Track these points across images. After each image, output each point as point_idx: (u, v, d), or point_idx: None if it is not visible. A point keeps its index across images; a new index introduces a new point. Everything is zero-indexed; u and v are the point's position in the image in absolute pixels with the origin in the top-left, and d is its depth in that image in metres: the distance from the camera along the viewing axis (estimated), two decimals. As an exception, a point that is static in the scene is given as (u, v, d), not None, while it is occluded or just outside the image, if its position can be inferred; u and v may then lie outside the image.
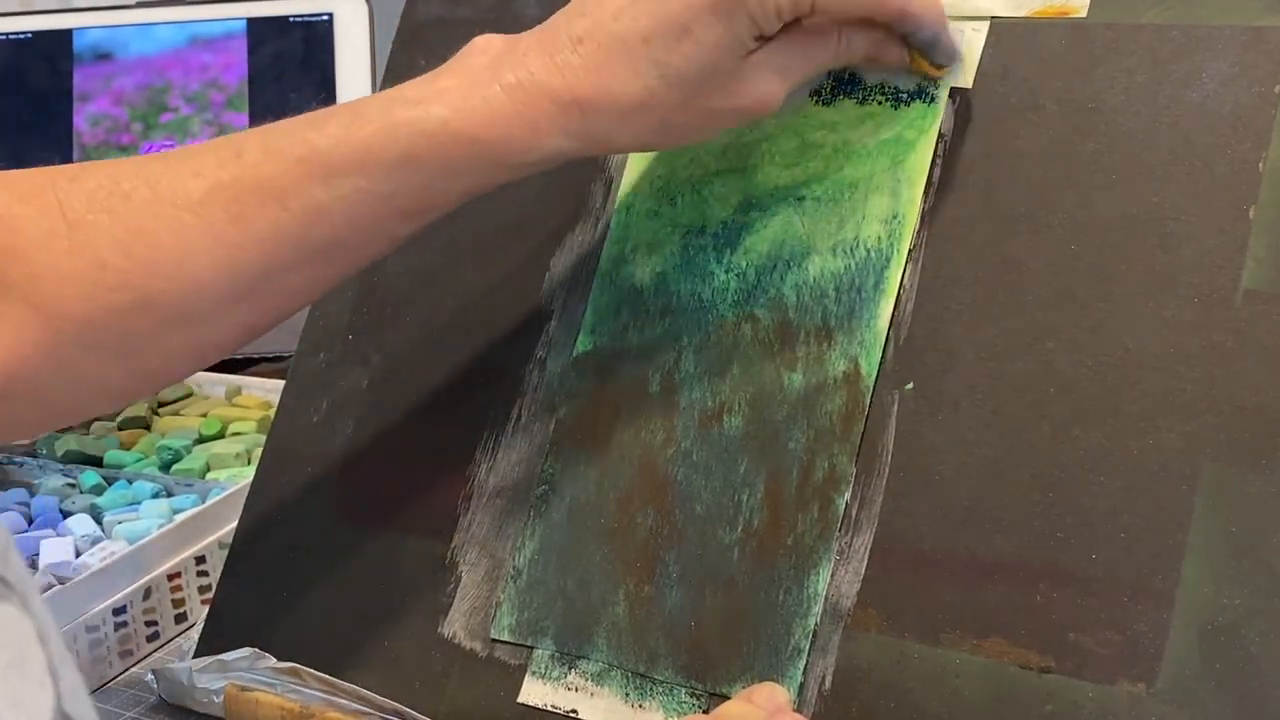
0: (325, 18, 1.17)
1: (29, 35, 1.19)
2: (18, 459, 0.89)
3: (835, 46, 0.59)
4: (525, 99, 0.55)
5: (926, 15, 0.58)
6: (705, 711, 0.56)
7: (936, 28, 0.59)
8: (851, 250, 0.60)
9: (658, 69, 0.55)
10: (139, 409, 0.95)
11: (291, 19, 1.18)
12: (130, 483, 0.85)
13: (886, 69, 0.61)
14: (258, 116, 1.15)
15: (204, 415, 0.95)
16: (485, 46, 0.57)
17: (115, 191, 0.55)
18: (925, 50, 0.60)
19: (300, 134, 0.55)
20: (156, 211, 0.54)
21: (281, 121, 0.57)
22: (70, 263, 0.54)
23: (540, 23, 0.57)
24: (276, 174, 0.54)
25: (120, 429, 0.94)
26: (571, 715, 0.59)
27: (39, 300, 0.54)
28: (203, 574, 0.76)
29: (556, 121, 0.55)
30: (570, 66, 0.55)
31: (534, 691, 0.60)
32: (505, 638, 0.61)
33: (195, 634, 0.68)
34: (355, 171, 0.55)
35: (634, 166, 0.66)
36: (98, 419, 0.96)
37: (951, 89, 0.61)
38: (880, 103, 0.62)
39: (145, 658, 0.73)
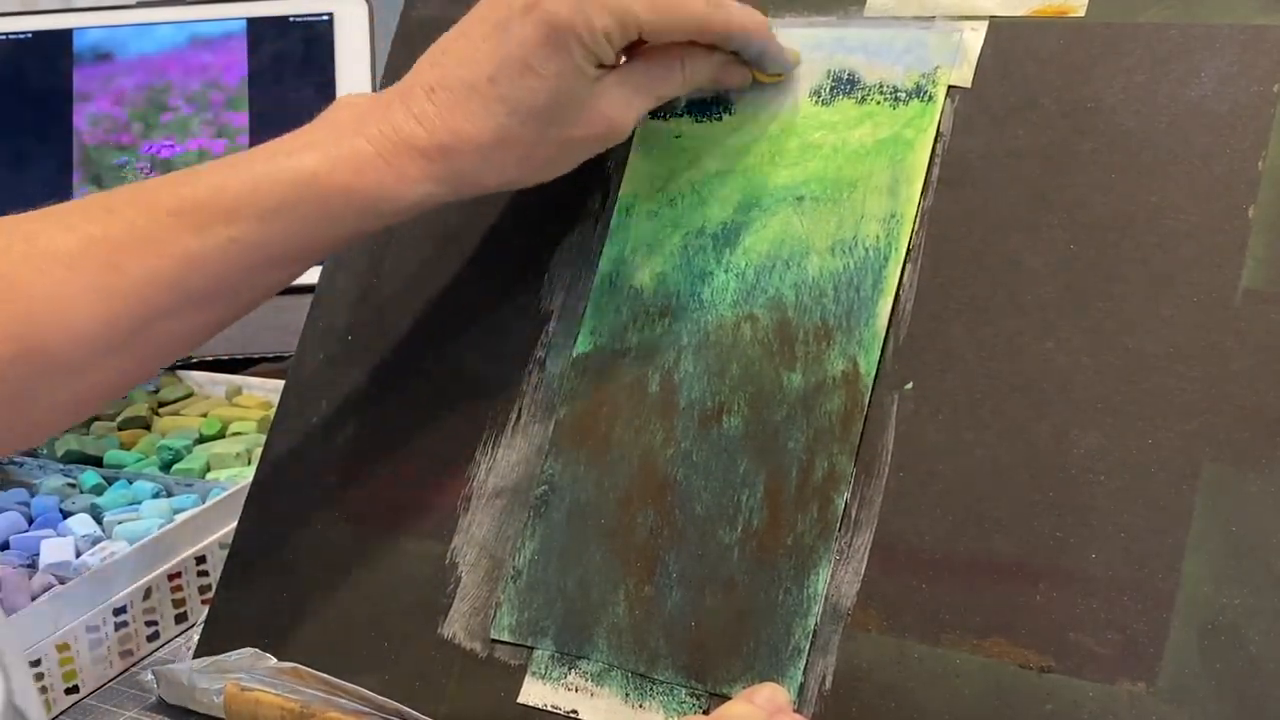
0: (325, 18, 1.17)
1: (29, 35, 1.19)
2: (18, 459, 0.89)
3: (680, 73, 0.61)
4: (390, 149, 0.57)
5: (749, 30, 0.61)
6: (705, 712, 0.57)
7: (761, 40, 0.62)
8: (850, 250, 0.60)
9: (506, 106, 0.57)
10: (139, 409, 0.95)
11: (291, 19, 1.18)
12: (130, 483, 0.85)
13: (735, 89, 0.64)
14: (258, 116, 1.15)
15: (204, 415, 0.95)
16: (351, 103, 0.59)
17: None
18: (757, 63, 0.63)
19: (171, 189, 0.57)
20: (34, 265, 0.55)
21: (150, 180, 0.59)
22: None
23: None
24: (150, 226, 0.56)
25: (120, 429, 0.94)
26: (571, 715, 0.59)
27: None
28: (203, 574, 0.76)
29: (422, 168, 0.57)
30: (427, 115, 0.58)
31: (534, 692, 0.60)
32: (505, 638, 0.61)
33: (195, 634, 0.68)
34: (228, 221, 0.56)
35: (634, 167, 0.66)
36: (97, 419, 0.96)
37: (950, 88, 0.61)
38: (879, 102, 0.62)
39: (145, 658, 0.73)
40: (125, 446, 0.92)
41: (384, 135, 0.57)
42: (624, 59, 0.61)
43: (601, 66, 0.58)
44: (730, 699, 0.55)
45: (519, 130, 0.58)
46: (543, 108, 0.57)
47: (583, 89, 0.58)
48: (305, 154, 0.57)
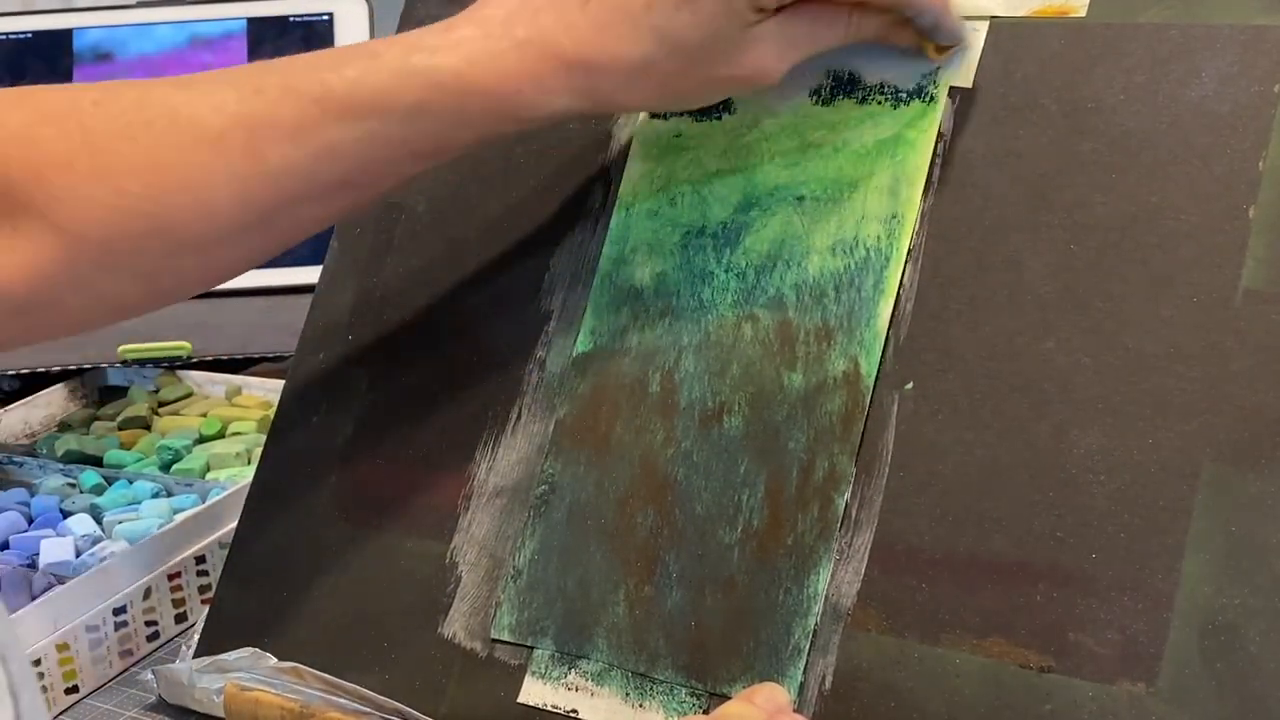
0: (325, 18, 1.17)
1: (29, 35, 1.19)
2: (18, 459, 0.89)
3: (846, 26, 0.60)
4: (534, 56, 0.56)
5: (925, 1, 0.59)
6: (705, 712, 0.56)
7: (936, 10, 0.60)
8: (851, 250, 0.60)
9: (657, 35, 0.56)
10: (139, 409, 0.95)
11: (291, 19, 1.18)
12: (130, 483, 0.85)
13: (897, 49, 0.61)
14: (258, 116, 1.15)
15: (204, 415, 0.95)
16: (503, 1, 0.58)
17: (137, 119, 0.56)
18: (929, 34, 0.61)
19: (318, 74, 0.57)
20: (176, 142, 0.56)
21: (302, 56, 0.59)
22: (90, 187, 0.55)
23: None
24: (293, 113, 0.56)
25: (120, 429, 0.94)
26: (571, 715, 0.59)
27: (59, 221, 0.55)
28: (203, 574, 0.76)
29: (563, 80, 0.57)
30: (577, 26, 0.56)
31: (534, 691, 0.60)
32: (505, 638, 0.61)
33: (195, 634, 0.68)
34: (369, 116, 0.56)
35: (634, 167, 0.66)
36: (97, 419, 0.96)
37: (951, 88, 0.61)
38: (880, 102, 0.62)
39: (145, 658, 0.73)
40: (125, 446, 0.92)
41: (530, 40, 0.56)
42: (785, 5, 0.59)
43: (761, 11, 0.57)
44: (730, 699, 0.55)
45: (665, 61, 0.57)
46: (693, 44, 0.56)
47: (737, 31, 0.57)
48: (448, 53, 0.57)
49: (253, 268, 0.61)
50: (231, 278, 0.61)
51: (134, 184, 0.55)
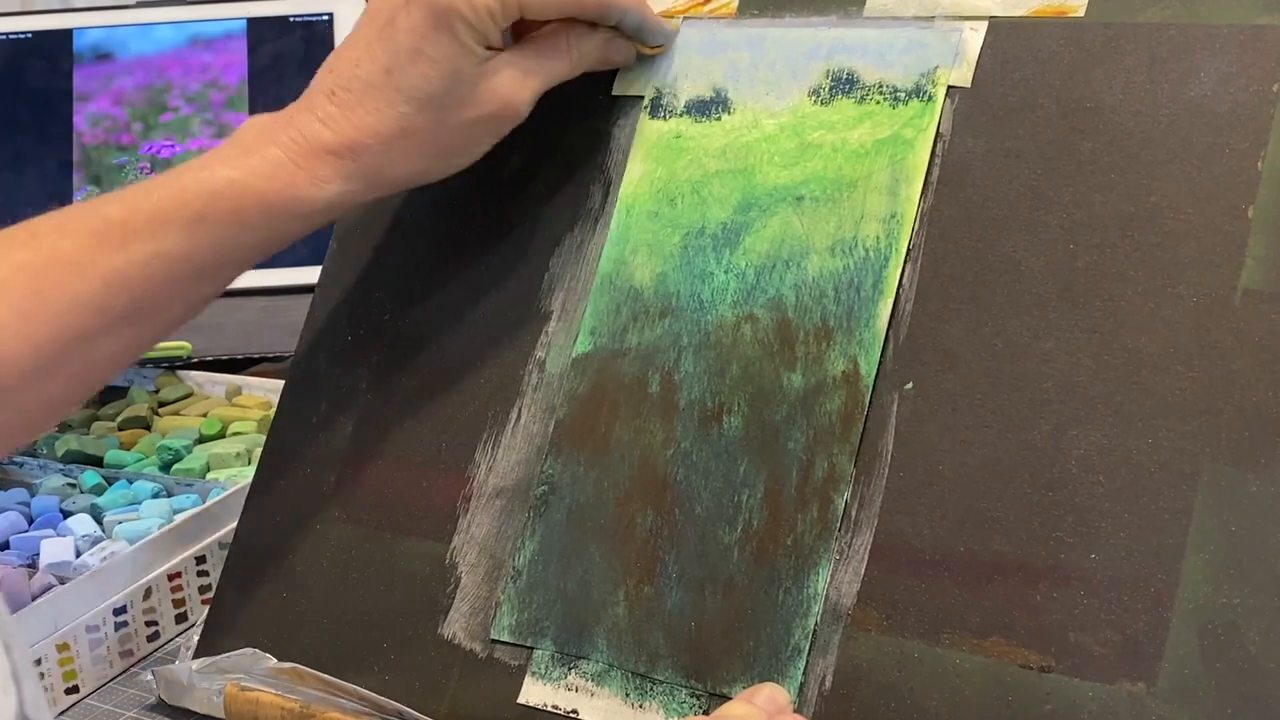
0: (325, 18, 1.17)
1: (29, 35, 1.19)
2: (18, 459, 0.89)
3: (567, 52, 0.64)
4: (299, 152, 0.60)
5: (625, 4, 0.64)
6: (705, 712, 0.57)
7: (638, 13, 0.65)
8: (850, 250, 0.60)
9: (404, 95, 0.60)
10: (139, 409, 0.95)
11: (291, 19, 1.18)
12: (130, 483, 0.85)
13: (620, 66, 0.66)
14: (258, 116, 1.15)
15: (204, 415, 0.95)
16: (256, 121, 0.62)
17: None
18: (638, 36, 0.66)
19: (93, 210, 0.58)
20: None
21: (73, 205, 0.60)
22: None
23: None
24: (73, 248, 0.57)
25: (120, 429, 0.94)
26: (572, 716, 0.59)
27: None
28: (203, 574, 0.76)
29: (332, 166, 0.60)
30: (331, 116, 0.60)
31: (534, 692, 0.60)
32: (505, 638, 0.61)
33: (195, 634, 0.68)
34: (149, 236, 0.58)
35: (634, 167, 0.66)
36: (98, 419, 0.96)
37: (950, 88, 0.61)
38: (878, 102, 0.62)
39: (145, 658, 0.73)
40: (125, 446, 0.92)
41: (293, 141, 0.60)
42: (513, 42, 0.63)
43: (490, 48, 0.61)
44: (730, 699, 0.56)
45: (418, 118, 0.60)
46: (438, 91, 0.60)
47: (473, 69, 0.61)
48: (219, 167, 0.59)
49: (48, 428, 0.61)
50: (27, 441, 0.61)
51: None
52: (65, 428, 0.96)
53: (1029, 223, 0.58)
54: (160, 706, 0.68)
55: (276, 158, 0.59)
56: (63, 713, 0.69)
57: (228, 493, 0.79)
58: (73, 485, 0.86)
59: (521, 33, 0.64)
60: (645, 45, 0.66)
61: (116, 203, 0.59)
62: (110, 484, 0.85)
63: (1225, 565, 0.51)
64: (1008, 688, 0.53)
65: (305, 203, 0.60)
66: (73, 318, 0.57)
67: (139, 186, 0.60)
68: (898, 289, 0.59)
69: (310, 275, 0.76)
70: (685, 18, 0.67)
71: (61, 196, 1.13)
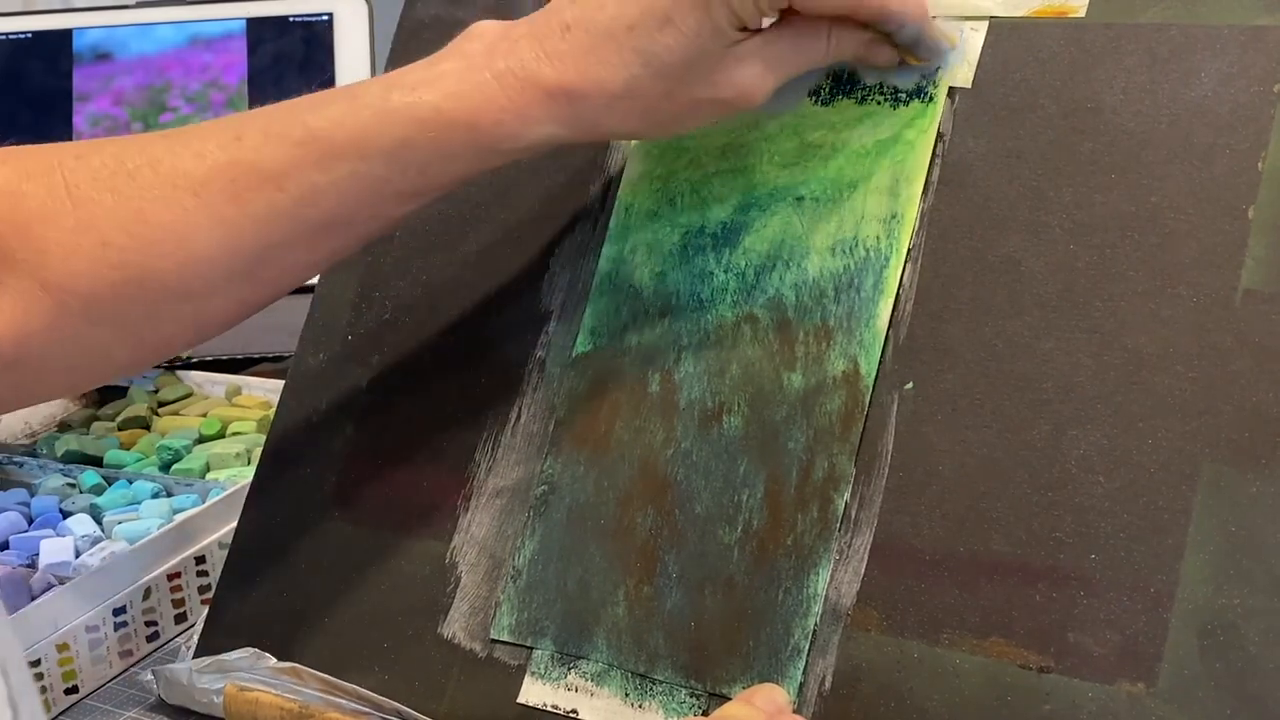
0: (325, 18, 1.17)
1: (29, 35, 1.19)
2: (18, 459, 0.89)
3: (825, 45, 0.60)
4: (516, 86, 0.56)
5: (907, 13, 0.59)
6: (705, 713, 0.56)
7: (918, 25, 0.60)
8: (850, 250, 0.60)
9: (641, 58, 0.56)
10: (139, 409, 0.95)
11: (291, 19, 1.18)
12: (130, 483, 0.85)
13: (878, 68, 0.62)
14: (258, 116, 1.15)
15: (204, 415, 0.95)
16: (482, 32, 0.58)
17: (119, 170, 0.56)
18: (910, 48, 0.61)
19: (299, 117, 0.57)
20: (158, 193, 0.56)
21: (282, 103, 0.58)
22: (75, 240, 0.55)
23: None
24: (275, 157, 0.56)
25: (120, 429, 0.94)
26: (571, 715, 0.59)
27: (45, 276, 0.55)
28: (203, 574, 0.76)
29: (546, 109, 0.56)
30: (559, 54, 0.56)
31: (534, 692, 0.60)
32: (505, 638, 0.61)
33: (195, 634, 0.68)
34: (352, 155, 0.56)
35: (634, 167, 0.66)
36: (97, 419, 0.96)
37: (950, 88, 0.61)
38: (879, 103, 0.62)
39: (145, 658, 0.73)
40: (125, 446, 0.92)
41: (510, 71, 0.56)
42: (768, 26, 0.59)
43: (743, 30, 0.57)
44: (729, 699, 0.55)
45: (649, 84, 0.56)
46: (677, 66, 0.56)
47: (720, 50, 0.56)
48: (428, 89, 0.57)
49: (241, 320, 0.60)
50: (219, 332, 0.61)
51: (118, 235, 0.55)
52: (65, 428, 0.96)
53: (1029, 223, 0.58)
54: (160, 706, 0.68)
55: (489, 88, 0.56)
56: (62, 713, 0.69)
57: (228, 493, 0.79)
58: (72, 485, 0.86)
59: (781, 16, 0.59)
60: (915, 57, 0.61)
61: (323, 111, 0.57)
62: (110, 484, 0.85)
63: (1225, 565, 0.51)
64: (1007, 688, 0.53)
65: (510, 139, 0.57)
66: (270, 226, 0.56)
67: (348, 95, 0.58)
68: (898, 289, 0.59)
69: (310, 275, 0.76)
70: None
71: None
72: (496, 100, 0.56)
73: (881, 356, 0.58)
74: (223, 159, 0.56)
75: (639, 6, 0.56)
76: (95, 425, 0.95)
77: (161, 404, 0.98)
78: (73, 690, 0.70)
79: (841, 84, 0.63)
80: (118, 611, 0.72)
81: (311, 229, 0.57)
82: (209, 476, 0.87)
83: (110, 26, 1.19)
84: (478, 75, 0.56)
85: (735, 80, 0.57)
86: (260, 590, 0.67)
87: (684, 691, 0.57)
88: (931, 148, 0.60)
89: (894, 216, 0.60)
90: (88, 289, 0.55)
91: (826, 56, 0.60)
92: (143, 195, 0.56)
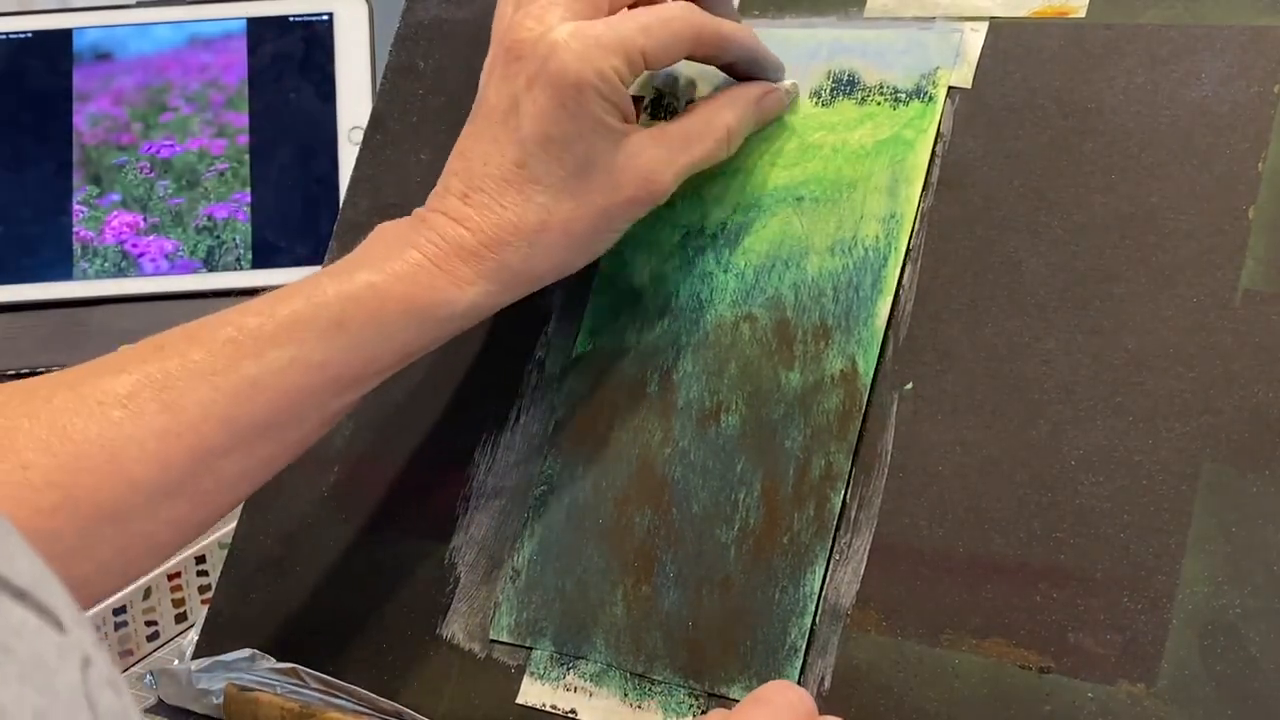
0: (325, 18, 1.17)
1: (29, 35, 1.19)
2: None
3: (724, 140, 0.61)
4: (442, 254, 0.57)
5: (741, 39, 0.61)
6: (704, 712, 0.56)
7: (751, 45, 0.62)
8: (850, 250, 0.60)
9: (541, 185, 0.57)
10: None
11: (291, 19, 1.18)
12: (130, 483, 0.85)
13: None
14: (257, 116, 1.15)
15: (204, 415, 0.95)
16: (385, 229, 0.59)
17: (32, 398, 0.53)
18: (754, 71, 0.62)
19: (225, 319, 0.56)
20: (80, 409, 0.53)
21: (205, 316, 0.57)
22: None
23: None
24: (205, 357, 0.54)
25: (120, 429, 0.94)
26: (570, 716, 0.59)
27: None
28: (203, 574, 0.76)
29: (474, 267, 0.57)
30: (468, 218, 0.57)
31: (533, 692, 0.60)
32: (504, 638, 0.61)
33: (195, 634, 0.68)
34: (287, 342, 0.55)
35: (633, 166, 0.66)
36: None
37: (950, 88, 0.61)
38: (879, 103, 0.62)
39: (145, 658, 0.73)
40: (125, 446, 0.92)
41: (432, 243, 0.57)
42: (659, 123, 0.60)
43: (625, 121, 0.58)
44: (728, 698, 0.55)
45: (556, 207, 0.57)
46: (575, 174, 0.57)
47: (611, 145, 0.57)
48: (358, 272, 0.57)
49: (177, 550, 0.57)
50: (155, 565, 0.58)
51: (38, 456, 0.51)
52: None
53: (1029, 223, 0.58)
54: (160, 706, 0.67)
55: (416, 260, 0.57)
56: (62, 713, 0.69)
57: (227, 493, 0.79)
58: (72, 485, 0.86)
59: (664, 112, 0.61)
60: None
61: (251, 311, 0.56)
62: (110, 484, 0.85)
63: (1225, 565, 0.51)
64: (1007, 688, 0.53)
65: (447, 305, 0.57)
66: (205, 430, 0.54)
67: (272, 295, 0.57)
68: (897, 289, 0.59)
69: (310, 275, 0.76)
70: (685, 18, 0.67)
71: (61, 196, 1.13)
72: (426, 268, 0.57)
73: (881, 356, 0.58)
74: (149, 369, 0.54)
75: (515, 142, 0.57)
76: (95, 425, 0.95)
77: (161, 404, 0.98)
78: (72, 690, 0.69)
79: (841, 85, 0.63)
80: (118, 611, 0.72)
81: (248, 431, 0.55)
82: (209, 476, 0.86)
83: (110, 26, 1.19)
84: (405, 253, 0.57)
85: (636, 173, 0.58)
86: (260, 590, 0.67)
87: (682, 691, 0.57)
88: (931, 148, 0.60)
89: (893, 216, 0.60)
90: (11, 513, 0.50)
91: (726, 136, 0.61)
92: (62, 415, 0.52)
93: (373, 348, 0.57)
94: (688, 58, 0.61)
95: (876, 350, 0.58)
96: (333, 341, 0.56)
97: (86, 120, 1.16)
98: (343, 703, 0.61)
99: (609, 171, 0.57)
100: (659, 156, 0.58)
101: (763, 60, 0.62)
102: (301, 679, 0.62)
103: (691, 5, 0.60)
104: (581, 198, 0.57)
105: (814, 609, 0.56)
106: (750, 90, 0.62)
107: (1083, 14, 0.59)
